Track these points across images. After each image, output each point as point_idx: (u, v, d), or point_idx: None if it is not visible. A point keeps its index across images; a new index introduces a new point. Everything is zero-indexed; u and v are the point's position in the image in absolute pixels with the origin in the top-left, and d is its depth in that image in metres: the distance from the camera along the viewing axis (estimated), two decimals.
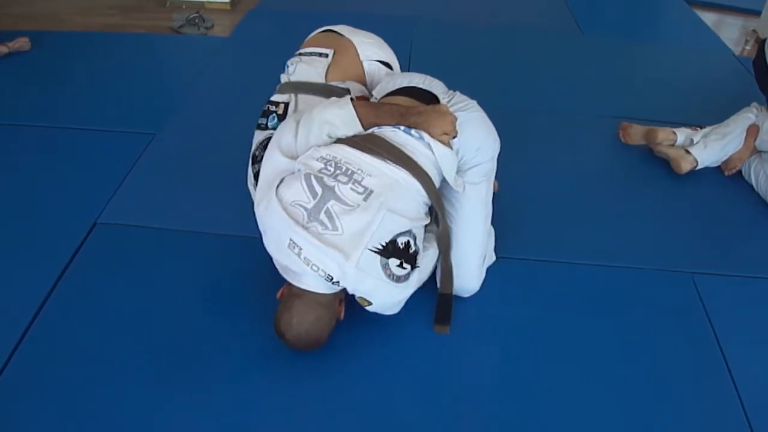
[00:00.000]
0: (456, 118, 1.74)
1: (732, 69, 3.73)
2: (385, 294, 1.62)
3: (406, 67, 3.18)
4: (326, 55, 2.06)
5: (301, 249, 1.52)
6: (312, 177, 1.57)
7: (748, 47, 4.23)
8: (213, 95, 3.06)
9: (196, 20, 3.96)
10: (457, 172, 1.79)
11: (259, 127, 1.94)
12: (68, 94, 2.98)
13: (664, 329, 1.94)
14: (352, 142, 1.67)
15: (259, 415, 1.61)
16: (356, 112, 1.69)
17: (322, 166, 1.60)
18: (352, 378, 1.72)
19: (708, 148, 2.59)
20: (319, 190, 1.55)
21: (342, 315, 1.74)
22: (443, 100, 1.84)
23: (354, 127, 1.70)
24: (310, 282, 1.59)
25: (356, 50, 2.09)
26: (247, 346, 1.76)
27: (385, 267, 1.56)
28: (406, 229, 1.59)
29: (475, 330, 1.89)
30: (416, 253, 1.63)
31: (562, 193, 2.49)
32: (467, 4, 4.46)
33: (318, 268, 1.53)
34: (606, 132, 2.93)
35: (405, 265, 1.59)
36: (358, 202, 1.55)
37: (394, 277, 1.58)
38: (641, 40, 4.04)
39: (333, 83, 2.00)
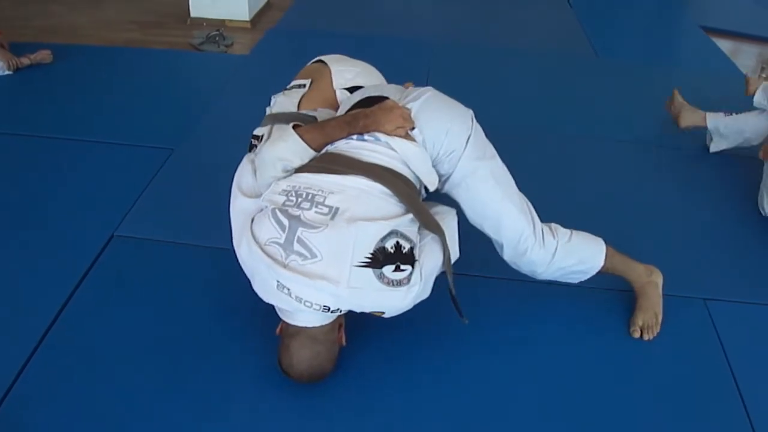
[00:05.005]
0: (408, 110, 1.71)
1: (749, 96, 3.70)
2: (392, 301, 1.56)
3: None
4: (304, 86, 2.05)
5: (289, 289, 1.51)
6: (277, 211, 1.55)
7: (764, 75, 4.23)
8: (232, 112, 3.09)
9: (217, 38, 4.03)
10: (448, 172, 1.75)
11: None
12: (88, 108, 3.04)
13: (676, 356, 1.92)
14: (308, 167, 1.66)
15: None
16: (302, 139, 1.68)
17: (285, 198, 1.58)
18: (353, 393, 1.73)
19: (725, 118, 2.84)
20: (285, 222, 1.53)
21: (344, 341, 1.72)
22: (395, 99, 1.78)
23: (305, 154, 1.69)
24: (303, 318, 1.59)
25: (331, 78, 2.06)
26: (263, 363, 1.77)
27: (381, 277, 1.50)
28: (389, 230, 1.53)
29: (488, 350, 1.89)
30: (412, 249, 1.56)
31: (573, 216, 2.47)
32: (483, 29, 4.51)
33: (311, 304, 1.51)
34: (620, 156, 2.94)
35: (403, 267, 1.52)
36: (325, 222, 1.52)
37: (394, 283, 1.51)
38: (656, 65, 4.05)
39: (303, 111, 1.98)
